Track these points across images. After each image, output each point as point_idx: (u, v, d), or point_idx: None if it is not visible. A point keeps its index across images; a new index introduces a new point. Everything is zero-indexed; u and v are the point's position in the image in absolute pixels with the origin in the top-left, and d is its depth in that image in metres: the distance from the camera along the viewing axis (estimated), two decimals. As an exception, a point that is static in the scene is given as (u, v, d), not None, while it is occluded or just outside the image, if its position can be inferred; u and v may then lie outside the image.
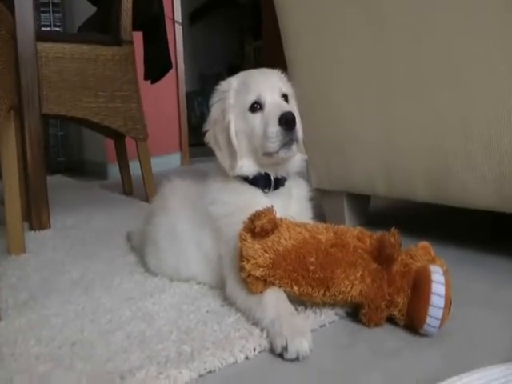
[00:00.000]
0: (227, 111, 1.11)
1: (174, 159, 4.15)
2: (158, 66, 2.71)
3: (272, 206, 0.96)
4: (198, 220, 1.15)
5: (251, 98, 1.08)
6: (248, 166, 1.11)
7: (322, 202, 1.68)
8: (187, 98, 4.34)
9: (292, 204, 1.13)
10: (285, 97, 1.12)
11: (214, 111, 1.14)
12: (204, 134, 1.15)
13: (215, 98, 1.15)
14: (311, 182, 1.62)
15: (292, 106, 1.13)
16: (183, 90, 4.23)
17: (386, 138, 1.38)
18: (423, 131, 1.27)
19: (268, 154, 1.07)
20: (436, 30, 1.19)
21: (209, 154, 1.16)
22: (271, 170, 1.12)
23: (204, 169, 1.26)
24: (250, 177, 1.12)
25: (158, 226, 1.25)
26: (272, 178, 1.12)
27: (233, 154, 1.10)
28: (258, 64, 6.73)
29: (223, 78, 1.17)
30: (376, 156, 1.42)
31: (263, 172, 1.12)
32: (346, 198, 1.64)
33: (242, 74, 1.16)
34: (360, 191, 1.54)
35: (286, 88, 1.14)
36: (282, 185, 1.14)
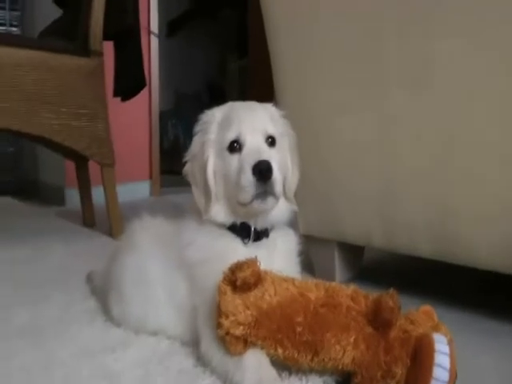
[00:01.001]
0: (207, 146, 1.11)
1: (142, 188, 4.14)
2: (130, 81, 2.72)
3: (256, 257, 0.96)
4: (171, 264, 1.13)
5: (230, 136, 1.08)
6: (223, 213, 1.11)
7: (310, 251, 1.69)
8: (160, 119, 4.36)
9: (277, 257, 1.13)
10: (271, 139, 1.11)
11: (195, 144, 1.15)
12: (181, 162, 1.15)
13: (197, 129, 1.15)
14: (299, 227, 1.63)
15: (280, 151, 1.13)
16: (156, 109, 4.25)
17: (384, 186, 1.40)
18: (427, 180, 1.30)
19: (242, 204, 1.06)
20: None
21: (182, 184, 1.16)
22: (249, 220, 1.11)
23: (177, 201, 1.25)
24: (227, 225, 1.12)
25: (123, 267, 1.24)
26: (252, 229, 1.11)
27: (208, 195, 1.11)
28: (243, 85, 6.83)
29: (201, 99, 1.17)
30: (371, 205, 1.44)
31: (239, 222, 1.11)
32: (338, 248, 1.65)
33: (227, 106, 1.16)
34: (353, 241, 1.55)
35: (276, 128, 1.13)
36: (266, 236, 1.14)
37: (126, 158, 3.58)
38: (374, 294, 0.95)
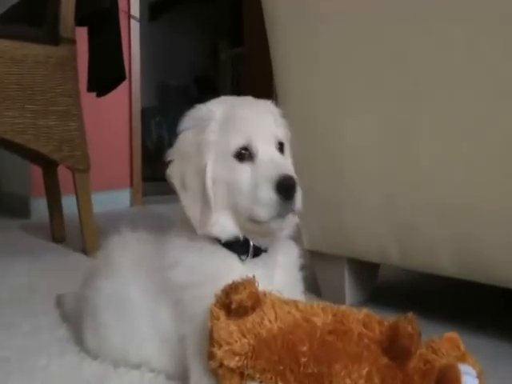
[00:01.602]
0: (205, 149, 1.09)
1: (121, 197, 4.15)
2: (107, 73, 2.71)
3: (253, 277, 0.96)
4: (155, 287, 1.13)
5: (239, 142, 1.07)
6: (225, 226, 1.10)
7: (316, 269, 1.70)
8: (142, 117, 4.36)
9: (277, 274, 1.13)
10: (280, 145, 1.11)
11: (186, 140, 1.12)
12: (164, 164, 1.14)
13: (188, 123, 1.14)
14: (302, 241, 1.63)
15: (287, 158, 1.14)
16: (138, 105, 4.26)
17: (397, 190, 1.42)
18: (448, 186, 1.31)
19: (255, 222, 1.05)
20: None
21: (168, 192, 1.15)
22: (253, 236, 1.11)
23: (162, 213, 1.24)
24: (224, 240, 1.11)
25: (100, 291, 1.23)
26: (251, 244, 1.11)
27: (206, 207, 1.09)
28: (237, 77, 6.81)
29: (189, 93, 1.16)
30: (386, 214, 1.45)
31: (241, 237, 1.11)
32: (348, 265, 1.66)
33: (225, 102, 1.15)
34: (366, 257, 1.56)
35: (282, 131, 1.14)
36: (265, 251, 1.13)
37: (102, 163, 3.56)
38: (389, 318, 0.94)
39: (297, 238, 1.25)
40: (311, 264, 1.57)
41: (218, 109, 1.13)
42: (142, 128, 4.37)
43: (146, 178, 4.43)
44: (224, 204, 1.10)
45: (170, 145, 1.15)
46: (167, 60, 6.91)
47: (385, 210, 1.45)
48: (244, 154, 1.07)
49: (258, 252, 1.13)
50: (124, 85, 3.14)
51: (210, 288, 0.98)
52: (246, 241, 1.11)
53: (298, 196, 1.04)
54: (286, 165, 1.08)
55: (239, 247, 1.11)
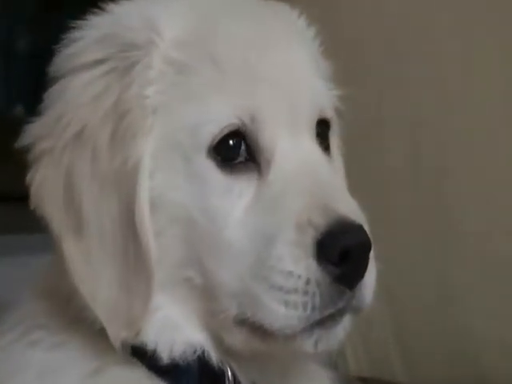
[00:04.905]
0: (139, 124, 0.87)
1: None
2: None
3: None
4: None
5: (222, 118, 0.87)
6: (176, 326, 0.90)
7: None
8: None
9: None
10: (325, 125, 0.93)
11: (82, 97, 0.90)
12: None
13: (88, 53, 0.91)
14: (342, 364, 1.29)
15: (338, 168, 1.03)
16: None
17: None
18: None
19: (257, 330, 0.86)
20: None
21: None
22: (240, 360, 0.92)
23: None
24: (168, 359, 0.89)
25: None
26: (229, 375, 0.92)
27: (137, 272, 0.87)
28: None
29: None
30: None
31: (213, 357, 0.91)
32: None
33: (191, 3, 0.95)
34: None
35: (327, 90, 0.97)
36: None
37: None
38: None
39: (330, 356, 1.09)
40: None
41: (169, 19, 0.92)
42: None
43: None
44: (175, 272, 0.91)
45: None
46: None
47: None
48: (235, 153, 0.88)
49: None
50: None
51: None
52: (212, 368, 0.93)
53: (371, 274, 0.85)
54: (342, 191, 0.89)
55: (198, 379, 0.93)
